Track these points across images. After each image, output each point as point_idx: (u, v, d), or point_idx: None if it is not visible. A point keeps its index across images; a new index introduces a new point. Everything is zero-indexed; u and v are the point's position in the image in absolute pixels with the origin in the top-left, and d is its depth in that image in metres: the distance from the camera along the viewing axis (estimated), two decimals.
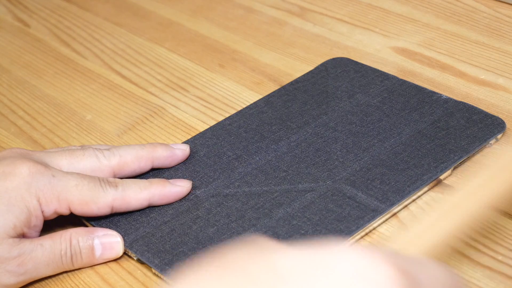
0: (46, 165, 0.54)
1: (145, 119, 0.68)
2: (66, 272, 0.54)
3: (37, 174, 0.53)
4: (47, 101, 0.72)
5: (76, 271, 0.54)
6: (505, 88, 0.65)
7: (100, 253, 0.54)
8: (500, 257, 0.51)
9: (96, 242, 0.54)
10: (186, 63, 0.74)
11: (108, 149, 0.58)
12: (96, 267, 0.54)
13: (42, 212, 0.53)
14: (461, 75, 0.67)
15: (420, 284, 0.35)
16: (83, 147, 0.58)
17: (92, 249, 0.54)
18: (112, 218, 0.56)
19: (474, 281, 0.49)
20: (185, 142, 0.62)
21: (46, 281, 0.54)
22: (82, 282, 0.53)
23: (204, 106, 0.68)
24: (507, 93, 0.64)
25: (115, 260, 0.55)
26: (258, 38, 0.76)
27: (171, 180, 0.57)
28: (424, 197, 0.56)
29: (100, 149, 0.57)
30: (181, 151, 0.60)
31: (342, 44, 0.72)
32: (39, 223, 0.53)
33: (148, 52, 0.77)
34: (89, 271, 0.54)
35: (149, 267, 0.53)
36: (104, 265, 0.54)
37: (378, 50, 0.71)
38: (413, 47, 0.71)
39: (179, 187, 0.57)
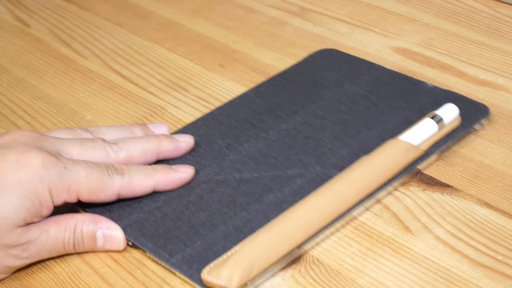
0: (57, 156, 0.55)
1: (145, 119, 0.68)
2: (65, 271, 0.54)
3: (50, 166, 0.53)
4: (47, 101, 0.72)
5: (76, 271, 0.54)
6: (505, 88, 0.65)
7: (101, 244, 0.55)
8: (500, 257, 0.51)
9: (99, 233, 0.55)
10: (186, 63, 0.74)
11: (115, 143, 0.59)
12: (96, 267, 0.54)
13: (52, 202, 0.54)
14: (461, 75, 0.67)
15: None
16: (92, 133, 0.60)
17: (94, 239, 0.55)
18: (105, 205, 0.57)
19: (474, 281, 0.50)
20: (175, 133, 0.63)
21: (46, 281, 0.54)
22: (82, 282, 0.53)
23: (204, 106, 0.68)
24: (507, 93, 0.64)
25: (115, 260, 0.55)
26: (258, 38, 0.76)
27: (173, 166, 0.58)
28: (424, 198, 0.56)
29: (108, 142, 0.58)
30: (186, 144, 0.61)
31: (342, 44, 0.72)
32: (49, 213, 0.54)
33: (148, 52, 0.77)
34: (89, 271, 0.54)
35: (143, 251, 0.54)
36: (104, 265, 0.54)
37: (378, 50, 0.71)
38: (413, 47, 0.71)
39: (182, 173, 0.58)
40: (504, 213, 0.54)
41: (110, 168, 0.56)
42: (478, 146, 0.59)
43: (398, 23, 0.75)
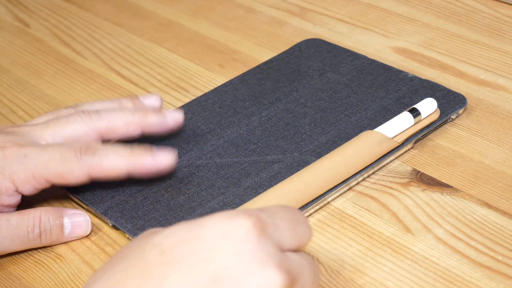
0: (21, 145, 0.55)
1: None
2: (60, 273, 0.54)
3: (10, 156, 0.54)
4: (47, 101, 0.72)
5: (76, 271, 0.54)
6: (505, 88, 0.65)
7: (69, 231, 0.56)
8: (500, 257, 0.51)
9: (66, 220, 0.56)
10: (186, 63, 0.74)
11: (97, 112, 0.58)
12: (96, 268, 0.54)
13: (20, 191, 0.55)
14: (461, 75, 0.67)
15: (272, 221, 0.43)
16: (77, 108, 0.59)
17: (61, 227, 0.56)
18: (89, 187, 0.58)
19: (474, 281, 0.50)
20: None
21: (46, 281, 0.54)
22: (82, 282, 0.53)
23: None
24: (507, 93, 0.64)
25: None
26: (258, 38, 0.76)
27: (154, 151, 0.56)
28: (424, 198, 0.56)
29: (88, 111, 0.58)
30: (173, 120, 0.60)
31: (342, 44, 0.72)
32: (13, 201, 0.55)
33: (148, 52, 0.77)
34: (89, 271, 0.54)
35: (123, 233, 0.56)
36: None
37: (378, 50, 0.71)
38: (413, 47, 0.71)
39: (161, 157, 0.56)
40: (504, 213, 0.54)
41: (80, 149, 0.55)
42: (478, 146, 0.59)
43: (398, 23, 0.74)
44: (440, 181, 0.57)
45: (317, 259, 0.53)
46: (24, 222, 0.54)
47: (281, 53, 0.71)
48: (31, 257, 0.56)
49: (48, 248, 0.57)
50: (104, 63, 0.76)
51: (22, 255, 0.57)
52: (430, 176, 0.57)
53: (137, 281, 0.40)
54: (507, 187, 0.56)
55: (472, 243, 0.52)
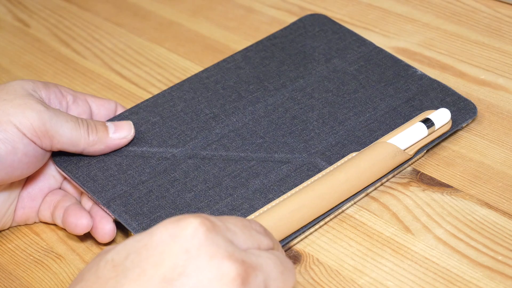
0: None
1: None
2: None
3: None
4: None
5: (76, 271, 0.54)
6: (505, 88, 0.65)
7: (113, 130, 0.57)
8: (500, 257, 0.51)
9: (109, 123, 0.58)
10: (186, 63, 0.74)
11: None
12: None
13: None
14: (461, 75, 0.67)
15: (223, 224, 0.43)
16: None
17: (104, 125, 0.57)
18: (89, 172, 0.57)
19: (474, 281, 0.50)
20: (162, 92, 0.63)
21: (46, 281, 0.54)
22: None
23: None
24: (507, 93, 0.64)
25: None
26: (258, 38, 0.76)
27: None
28: (424, 198, 0.56)
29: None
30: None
31: None
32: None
33: (148, 52, 0.77)
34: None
35: (124, 231, 0.56)
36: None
37: None
38: (413, 47, 0.71)
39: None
40: (504, 213, 0.54)
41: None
42: (478, 146, 0.59)
43: (398, 23, 0.74)
44: (440, 181, 0.57)
45: (317, 259, 0.53)
46: (76, 121, 0.56)
47: (285, 28, 0.69)
48: (31, 257, 0.56)
49: (48, 248, 0.57)
50: (104, 63, 0.76)
51: (22, 255, 0.57)
52: (430, 176, 0.57)
53: None
54: (507, 187, 0.56)
55: (472, 243, 0.52)
